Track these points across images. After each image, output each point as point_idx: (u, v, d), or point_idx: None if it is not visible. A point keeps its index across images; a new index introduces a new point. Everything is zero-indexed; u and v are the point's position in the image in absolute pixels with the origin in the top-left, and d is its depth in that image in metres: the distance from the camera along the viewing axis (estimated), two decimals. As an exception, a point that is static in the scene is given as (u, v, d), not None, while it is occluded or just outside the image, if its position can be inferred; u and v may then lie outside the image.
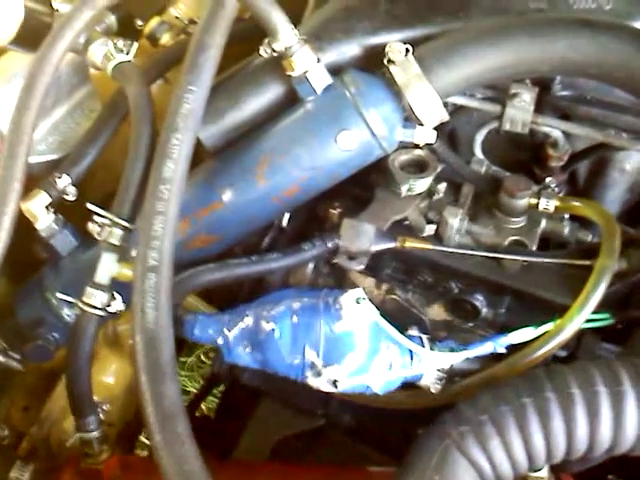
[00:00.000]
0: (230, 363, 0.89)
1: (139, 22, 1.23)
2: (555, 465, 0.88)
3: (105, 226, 0.90)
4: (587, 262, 0.91)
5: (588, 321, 0.88)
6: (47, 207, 0.98)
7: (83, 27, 0.92)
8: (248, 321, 0.86)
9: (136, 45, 1.02)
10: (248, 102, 0.97)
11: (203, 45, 0.90)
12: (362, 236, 0.93)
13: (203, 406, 1.96)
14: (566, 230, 0.98)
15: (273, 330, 0.85)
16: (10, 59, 1.08)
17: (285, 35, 0.91)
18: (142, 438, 1.57)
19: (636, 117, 1.02)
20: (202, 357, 2.14)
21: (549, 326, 0.88)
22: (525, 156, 1.11)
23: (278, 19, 0.90)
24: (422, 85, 0.91)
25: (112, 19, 1.17)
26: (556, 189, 1.06)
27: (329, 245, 0.96)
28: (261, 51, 0.94)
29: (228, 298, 1.03)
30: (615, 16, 0.97)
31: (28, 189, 0.96)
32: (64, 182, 0.98)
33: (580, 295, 0.87)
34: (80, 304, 0.90)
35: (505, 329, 0.93)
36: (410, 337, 0.89)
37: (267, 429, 1.14)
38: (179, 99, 0.87)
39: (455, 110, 1.07)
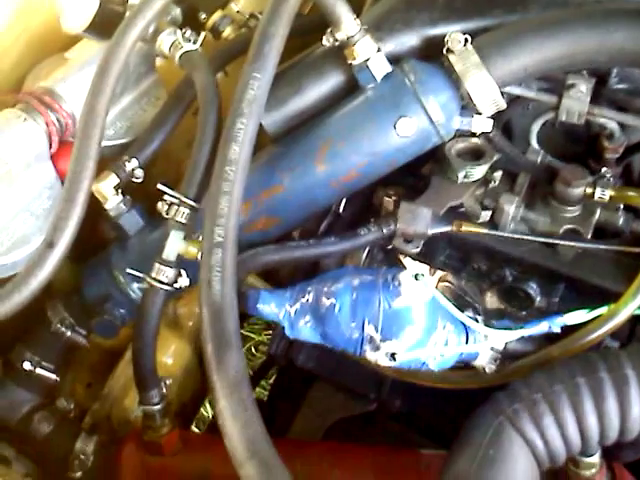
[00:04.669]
0: (287, 344, 0.91)
1: (202, 15, 1.27)
2: (607, 453, 0.89)
3: (173, 205, 0.94)
4: (641, 250, 0.92)
5: (641, 309, 0.89)
6: (116, 188, 1.02)
7: (154, 16, 0.96)
8: (309, 297, 0.89)
9: (203, 34, 1.06)
10: (310, 90, 1.01)
11: (268, 35, 0.93)
12: (419, 219, 0.95)
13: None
14: (621, 220, 0.99)
15: (333, 305, 0.87)
16: (82, 47, 1.12)
17: (348, 25, 0.93)
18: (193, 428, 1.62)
19: None
20: (252, 349, 2.18)
21: (603, 310, 0.88)
22: (580, 148, 1.11)
23: (341, 9, 0.93)
24: (480, 74, 0.93)
25: (177, 11, 1.21)
26: (611, 180, 1.07)
27: (384, 231, 0.98)
28: (324, 40, 0.96)
29: (285, 282, 1.06)
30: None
31: (97, 171, 1.01)
32: (132, 165, 1.03)
33: (634, 281, 0.88)
34: (149, 279, 0.94)
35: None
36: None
37: (320, 412, 1.17)
38: (245, 85, 0.91)
39: (511, 100, 1.09)
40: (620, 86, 1.06)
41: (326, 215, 1.10)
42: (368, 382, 1.11)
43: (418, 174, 1.06)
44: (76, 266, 1.17)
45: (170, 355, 1.24)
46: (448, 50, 0.95)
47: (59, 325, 1.11)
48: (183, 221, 0.94)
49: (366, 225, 1.00)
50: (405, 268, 1.02)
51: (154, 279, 0.93)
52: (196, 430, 1.74)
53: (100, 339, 1.16)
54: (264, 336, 2.16)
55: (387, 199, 1.06)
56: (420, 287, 0.86)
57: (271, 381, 1.67)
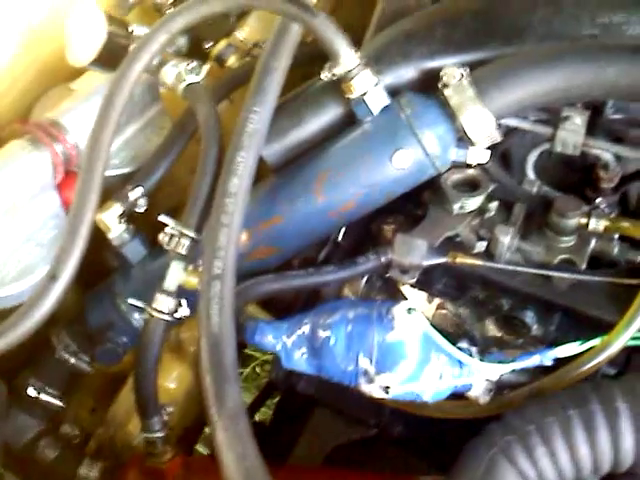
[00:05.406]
0: (287, 369, 0.93)
1: (207, 44, 1.29)
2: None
3: (174, 236, 0.96)
4: (636, 281, 0.93)
5: (635, 339, 0.90)
6: (119, 217, 1.04)
7: (159, 50, 0.98)
8: (305, 329, 0.91)
9: (206, 67, 1.08)
10: (309, 122, 1.02)
11: (269, 68, 0.96)
12: (414, 251, 0.96)
13: (257, 417, 2.01)
14: (615, 250, 1.00)
15: (329, 338, 0.89)
16: (88, 78, 1.14)
17: (346, 59, 0.95)
18: (198, 447, 1.62)
19: None
20: (257, 369, 2.19)
21: (596, 341, 0.90)
22: (576, 177, 1.12)
23: (340, 44, 0.95)
24: (475, 107, 0.95)
25: (182, 41, 1.24)
26: (607, 210, 1.08)
27: (382, 260, 0.99)
28: (322, 75, 0.98)
29: (285, 309, 1.08)
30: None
31: (101, 201, 1.03)
32: (136, 194, 1.05)
33: (627, 313, 0.89)
34: (149, 309, 0.96)
35: (555, 346, 0.95)
36: (459, 349, 0.92)
37: (321, 437, 1.18)
38: (245, 119, 0.93)
39: (508, 131, 1.10)
40: (616, 116, 1.07)
41: (326, 243, 1.11)
42: (368, 408, 1.12)
43: (417, 201, 1.08)
44: (82, 292, 1.19)
45: (173, 380, 1.25)
46: (444, 84, 0.96)
47: (63, 352, 1.13)
48: (183, 252, 0.96)
49: (365, 254, 1.01)
50: (403, 297, 1.04)
51: (155, 309, 0.95)
52: (201, 449, 1.76)
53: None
54: (269, 355, 2.18)
55: (386, 227, 1.08)
56: (413, 321, 0.87)
57: (276, 400, 1.68)
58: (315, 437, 1.18)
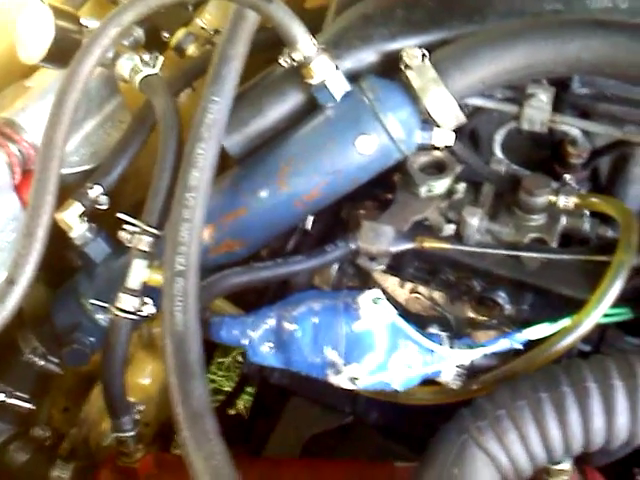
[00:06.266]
0: (256, 363, 0.92)
1: (165, 34, 1.27)
2: (579, 458, 0.90)
3: (135, 234, 0.94)
4: (606, 258, 0.92)
5: (607, 316, 0.89)
6: (81, 216, 1.02)
7: (110, 43, 0.96)
8: (271, 322, 0.90)
9: (162, 58, 1.05)
10: (270, 110, 1.00)
11: (226, 57, 0.94)
12: (381, 237, 0.95)
13: (241, 405, 2.00)
14: (586, 226, 0.99)
15: (295, 330, 0.87)
16: (43, 75, 1.12)
17: (304, 45, 0.93)
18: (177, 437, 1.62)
19: None
20: (239, 358, 2.18)
21: (567, 321, 0.89)
22: (546, 154, 1.11)
23: (297, 29, 0.93)
24: (438, 89, 0.93)
25: (140, 33, 1.21)
26: (577, 186, 1.07)
27: (352, 247, 0.98)
28: (281, 61, 0.96)
29: (256, 301, 1.06)
30: (632, 14, 0.97)
31: (63, 199, 1.01)
32: (96, 192, 1.02)
33: (597, 290, 0.88)
34: (113, 309, 0.94)
35: (529, 325, 0.94)
36: (429, 335, 0.91)
37: (296, 427, 1.18)
38: (203, 110, 0.91)
39: (475, 110, 1.09)
40: (583, 91, 1.06)
41: (294, 233, 1.10)
42: (343, 397, 1.11)
43: (387, 186, 1.06)
44: (50, 291, 1.17)
45: (147, 376, 1.24)
46: (406, 66, 0.95)
47: (31, 354, 1.11)
48: (146, 249, 0.94)
49: (334, 242, 1.00)
50: (376, 284, 1.03)
51: (119, 309, 0.93)
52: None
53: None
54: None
55: (355, 214, 1.06)
56: (379, 310, 0.86)
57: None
58: (291, 427, 1.17)
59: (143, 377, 1.24)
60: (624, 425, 0.77)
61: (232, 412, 1.55)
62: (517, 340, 0.89)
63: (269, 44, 1.13)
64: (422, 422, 1.08)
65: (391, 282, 1.05)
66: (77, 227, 1.02)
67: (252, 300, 1.07)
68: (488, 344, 0.89)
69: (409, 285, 1.05)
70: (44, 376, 1.15)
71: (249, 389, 1.74)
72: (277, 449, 1.17)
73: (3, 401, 1.10)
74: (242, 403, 1.98)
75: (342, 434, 1.18)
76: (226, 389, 2.14)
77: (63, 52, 1.01)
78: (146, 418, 1.22)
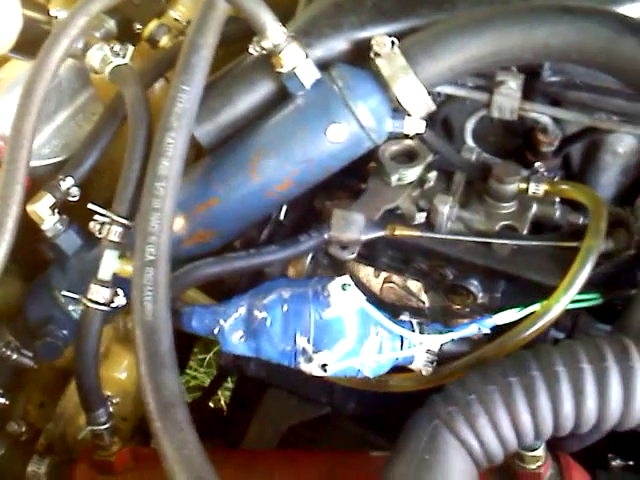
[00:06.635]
0: (228, 353, 0.92)
1: (138, 26, 1.26)
2: (552, 444, 0.90)
3: (105, 224, 0.94)
4: (575, 244, 0.93)
5: (577, 301, 0.90)
6: (52, 208, 1.01)
7: (78, 33, 0.95)
8: (242, 311, 0.89)
9: (132, 48, 1.05)
10: (241, 99, 1.00)
11: (195, 46, 0.93)
12: (352, 226, 0.95)
13: (222, 401, 2.00)
14: (557, 213, 1.00)
15: (265, 318, 0.87)
16: (13, 67, 1.11)
17: (273, 33, 0.93)
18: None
19: (626, 100, 1.03)
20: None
21: (536, 307, 0.89)
22: (517, 142, 1.12)
23: (266, 17, 0.92)
24: (408, 77, 0.93)
25: (111, 24, 1.20)
26: (549, 173, 1.08)
27: (325, 236, 0.98)
28: (250, 49, 0.96)
29: (229, 292, 1.06)
30: (600, 1, 0.98)
31: (34, 191, 1.01)
32: (67, 184, 1.02)
33: (565, 277, 0.88)
34: (84, 300, 0.93)
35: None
36: (400, 322, 0.91)
37: (274, 419, 1.18)
38: (173, 99, 0.91)
39: (447, 99, 1.09)
40: (553, 78, 1.06)
41: (267, 223, 1.09)
42: (319, 387, 1.11)
43: (361, 175, 1.06)
44: (23, 285, 1.17)
45: (123, 370, 1.23)
46: (375, 54, 0.95)
47: (4, 349, 1.10)
48: (117, 240, 0.93)
49: (307, 231, 1.00)
50: (350, 273, 1.03)
51: (90, 300, 0.93)
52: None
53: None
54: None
55: (328, 203, 1.07)
56: (349, 297, 0.86)
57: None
58: (268, 418, 1.18)
59: (119, 371, 1.23)
60: (593, 409, 0.78)
61: (212, 406, 1.55)
62: (486, 325, 0.89)
63: (242, 34, 1.13)
64: (398, 412, 1.08)
65: (365, 272, 1.06)
66: (48, 219, 1.01)
67: (224, 289, 1.07)
68: (457, 329, 0.90)
69: (383, 274, 1.06)
70: (18, 370, 1.14)
71: (229, 385, 1.75)
72: (255, 441, 1.16)
73: (-23, 396, 1.10)
74: (223, 399, 1.98)
75: (319, 425, 1.18)
76: (208, 385, 2.14)
77: (32, 43, 1.01)
78: (123, 412, 1.22)
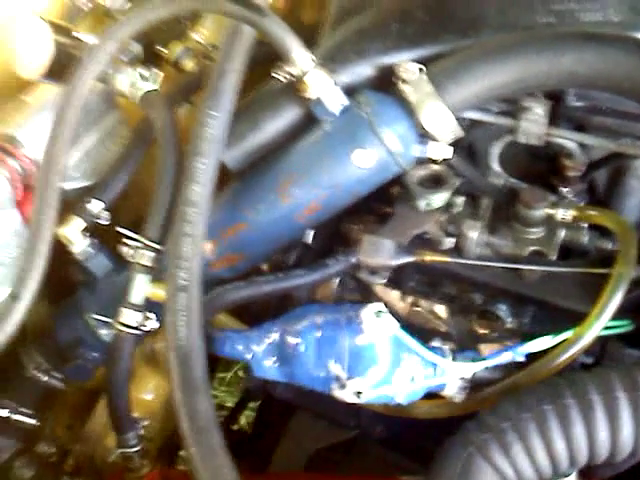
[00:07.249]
0: (260, 378, 0.92)
1: (160, 48, 1.27)
2: (584, 471, 0.90)
3: (137, 248, 0.94)
4: (605, 270, 0.92)
5: (608, 328, 0.89)
6: (82, 231, 1.02)
7: (108, 59, 0.97)
8: (274, 336, 0.90)
9: (162, 74, 1.06)
10: (268, 125, 1.01)
11: (223, 71, 0.94)
12: (381, 251, 0.95)
13: (243, 420, 1.99)
14: (585, 239, 0.99)
15: (298, 344, 0.88)
16: (42, 91, 1.12)
17: (300, 59, 0.94)
18: (182, 453, 1.61)
19: None
20: (240, 373, 2.17)
21: (568, 334, 0.89)
22: (543, 167, 1.12)
23: (292, 44, 0.93)
24: (435, 103, 0.94)
25: (138, 48, 1.21)
26: (575, 198, 1.07)
27: (352, 260, 0.98)
28: (277, 75, 0.97)
29: (258, 315, 1.06)
30: (623, 28, 0.98)
31: (65, 215, 1.02)
32: (97, 207, 1.03)
33: (597, 303, 0.88)
34: (116, 324, 0.94)
35: (531, 338, 0.94)
36: (432, 348, 0.91)
37: (301, 442, 1.17)
38: (201, 124, 0.92)
39: (472, 124, 1.09)
40: (578, 104, 1.06)
41: (295, 246, 1.10)
42: (347, 410, 1.11)
43: (385, 199, 1.07)
44: (53, 307, 1.17)
45: (150, 391, 1.24)
46: (402, 80, 0.95)
47: (35, 370, 1.11)
48: (148, 264, 0.94)
49: (334, 255, 1.00)
50: (377, 297, 1.03)
51: (121, 324, 0.93)
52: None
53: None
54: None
55: (354, 228, 1.07)
56: (382, 324, 0.86)
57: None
58: (295, 442, 1.17)
59: (146, 392, 1.24)
60: (629, 437, 0.77)
61: (235, 427, 1.54)
62: (519, 353, 0.89)
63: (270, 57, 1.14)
64: (426, 435, 1.08)
65: (392, 296, 1.06)
66: (79, 242, 1.02)
67: (253, 312, 1.08)
68: (490, 357, 0.90)
69: (410, 298, 1.06)
70: (48, 392, 1.14)
71: (251, 404, 1.74)
72: (282, 464, 1.16)
73: (7, 417, 1.10)
74: (244, 419, 1.98)
75: (347, 448, 1.18)
76: (229, 404, 2.13)
77: (63, 67, 1.02)
78: (150, 434, 1.22)
